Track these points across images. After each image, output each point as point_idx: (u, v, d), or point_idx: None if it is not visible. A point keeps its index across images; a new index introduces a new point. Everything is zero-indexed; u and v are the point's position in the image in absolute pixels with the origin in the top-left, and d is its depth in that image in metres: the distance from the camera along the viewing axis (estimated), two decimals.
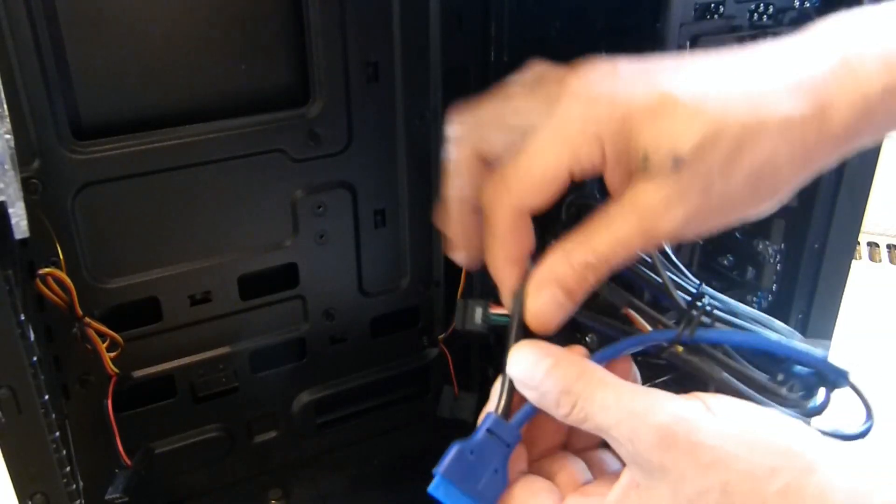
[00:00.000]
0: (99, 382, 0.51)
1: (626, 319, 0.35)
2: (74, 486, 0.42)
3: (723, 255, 0.50)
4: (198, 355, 0.56)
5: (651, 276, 0.35)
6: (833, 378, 0.35)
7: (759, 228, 0.48)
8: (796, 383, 0.34)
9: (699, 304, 0.35)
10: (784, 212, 0.46)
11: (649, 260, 0.35)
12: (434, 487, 0.34)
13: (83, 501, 0.44)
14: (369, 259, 0.59)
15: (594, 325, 0.36)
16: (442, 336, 0.64)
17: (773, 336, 0.35)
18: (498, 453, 0.34)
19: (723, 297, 0.36)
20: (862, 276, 1.33)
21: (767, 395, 0.34)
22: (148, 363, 0.54)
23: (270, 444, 0.62)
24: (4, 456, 0.38)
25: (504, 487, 0.34)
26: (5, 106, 0.34)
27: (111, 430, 0.51)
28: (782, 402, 0.34)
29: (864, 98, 0.30)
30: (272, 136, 0.51)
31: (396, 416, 0.68)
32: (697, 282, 0.36)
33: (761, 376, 0.34)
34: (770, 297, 0.49)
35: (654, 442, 0.29)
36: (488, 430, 0.34)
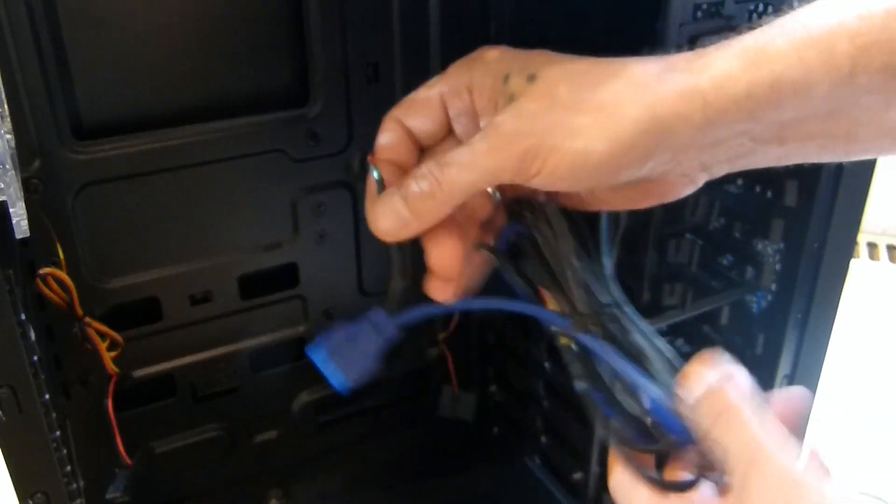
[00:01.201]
0: (99, 382, 0.52)
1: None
2: (75, 485, 0.42)
3: (722, 255, 0.50)
4: (198, 355, 0.56)
5: (566, 274, 0.36)
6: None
7: (759, 228, 0.48)
8: (661, 422, 0.34)
9: (602, 311, 0.35)
10: (783, 211, 0.46)
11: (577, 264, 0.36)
12: (310, 349, 0.38)
13: (83, 501, 0.44)
14: (369, 259, 0.59)
15: (510, 280, 0.37)
16: (442, 336, 0.64)
17: (642, 382, 0.33)
18: (373, 341, 0.38)
19: (639, 323, 0.35)
20: (861, 275, 1.33)
21: (633, 422, 0.33)
22: (148, 363, 0.54)
23: (270, 444, 0.62)
24: (5, 455, 0.38)
25: (369, 371, 0.38)
26: (6, 106, 0.34)
27: (111, 430, 0.51)
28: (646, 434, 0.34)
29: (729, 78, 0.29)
30: (272, 136, 0.51)
31: (396, 416, 0.68)
32: (616, 298, 0.36)
33: (631, 406, 0.34)
34: (769, 297, 0.49)
35: None
36: (369, 319, 0.38)
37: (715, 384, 0.31)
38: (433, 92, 0.36)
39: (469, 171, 0.32)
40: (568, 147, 0.30)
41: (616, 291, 0.36)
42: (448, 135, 0.37)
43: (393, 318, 0.38)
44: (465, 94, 0.35)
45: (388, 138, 0.37)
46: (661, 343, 0.35)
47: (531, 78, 0.32)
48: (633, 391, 0.33)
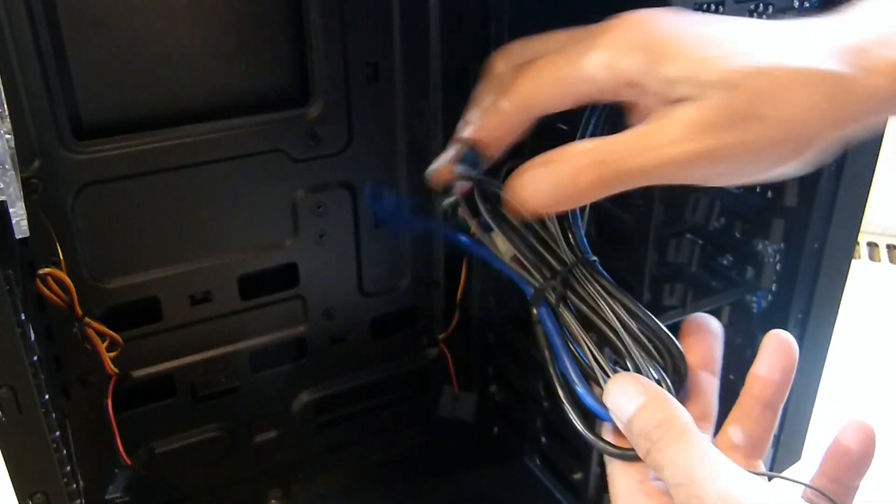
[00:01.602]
0: (99, 382, 0.52)
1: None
2: (75, 485, 0.42)
3: (722, 255, 0.50)
4: (198, 355, 0.56)
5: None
6: None
7: (759, 228, 0.48)
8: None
9: (564, 272, 0.34)
10: (783, 211, 0.46)
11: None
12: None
13: (83, 501, 0.44)
14: (369, 259, 0.59)
15: (491, 226, 0.36)
16: (442, 336, 0.64)
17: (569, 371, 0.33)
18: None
19: (597, 287, 0.34)
20: (862, 275, 1.33)
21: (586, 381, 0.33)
22: (148, 363, 0.54)
23: (270, 444, 0.62)
24: (4, 456, 0.38)
25: None
26: (5, 106, 0.34)
27: (111, 430, 0.51)
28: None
29: None
30: (272, 136, 0.51)
31: (396, 416, 0.68)
32: (585, 256, 0.35)
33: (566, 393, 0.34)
34: (769, 297, 0.49)
35: None
36: None
37: (651, 403, 0.31)
38: (590, 87, 0.33)
39: (637, 161, 0.30)
40: (752, 169, 0.30)
41: (586, 250, 0.36)
42: None
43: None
44: (628, 88, 0.32)
45: (505, 120, 0.35)
46: (630, 313, 0.34)
47: (700, 86, 0.29)
48: (564, 376, 0.33)
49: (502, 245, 0.36)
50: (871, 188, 0.47)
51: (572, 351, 0.33)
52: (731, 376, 0.54)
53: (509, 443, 0.66)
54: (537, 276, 0.35)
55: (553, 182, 0.31)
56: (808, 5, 0.43)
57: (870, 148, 0.46)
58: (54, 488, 0.40)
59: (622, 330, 0.33)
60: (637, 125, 0.31)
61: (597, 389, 0.33)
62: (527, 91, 0.34)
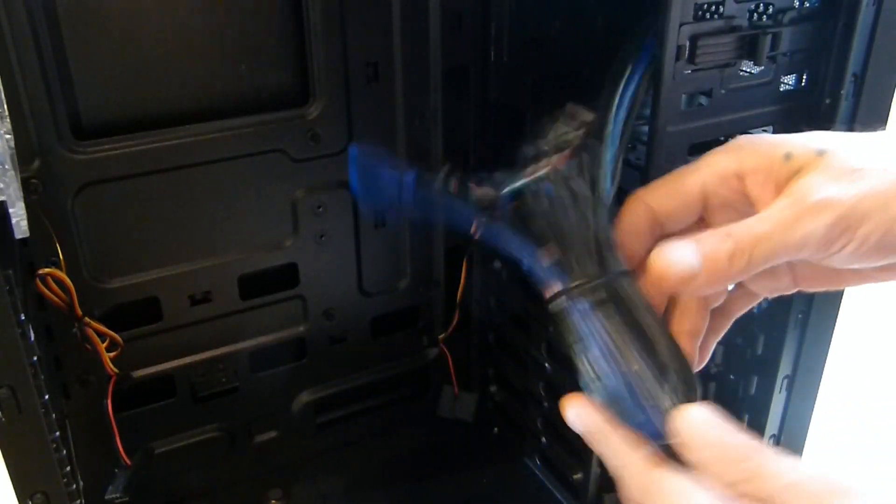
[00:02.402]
0: (99, 382, 0.51)
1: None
2: (74, 485, 0.42)
3: None
4: (198, 355, 0.56)
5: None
6: None
7: None
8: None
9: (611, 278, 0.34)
10: None
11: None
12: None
13: (83, 501, 0.44)
14: (369, 259, 0.59)
15: (511, 234, 0.36)
16: (442, 336, 0.64)
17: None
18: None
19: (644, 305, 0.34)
20: None
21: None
22: (148, 363, 0.54)
23: (270, 444, 0.62)
24: (4, 456, 0.38)
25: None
26: (5, 106, 0.34)
27: (111, 430, 0.51)
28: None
29: None
30: (272, 136, 0.51)
31: (396, 416, 0.68)
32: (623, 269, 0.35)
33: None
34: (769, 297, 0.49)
35: None
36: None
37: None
38: (694, 180, 0.35)
39: (770, 241, 0.31)
40: (881, 217, 0.29)
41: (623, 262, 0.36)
42: (695, 227, 0.36)
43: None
44: (734, 181, 0.34)
45: (632, 222, 0.36)
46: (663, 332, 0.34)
47: (820, 152, 0.31)
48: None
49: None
50: None
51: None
52: (732, 376, 0.54)
53: (509, 443, 0.66)
54: (578, 272, 0.35)
55: (683, 265, 0.32)
56: (808, 5, 0.43)
57: None
58: (54, 488, 0.40)
59: (660, 345, 0.33)
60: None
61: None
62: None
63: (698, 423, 0.30)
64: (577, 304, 0.34)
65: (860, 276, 0.34)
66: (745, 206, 0.34)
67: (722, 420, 0.30)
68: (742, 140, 0.35)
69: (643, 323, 0.33)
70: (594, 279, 0.34)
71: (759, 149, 0.33)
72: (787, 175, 0.32)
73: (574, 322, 0.34)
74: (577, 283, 0.34)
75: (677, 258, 0.32)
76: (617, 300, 0.34)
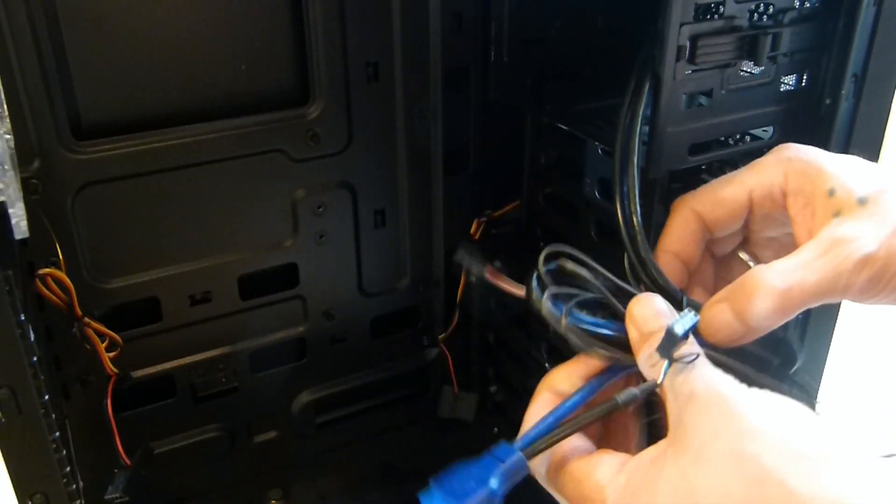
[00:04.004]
0: (99, 382, 0.51)
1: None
2: (74, 485, 0.42)
3: None
4: (198, 355, 0.56)
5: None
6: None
7: None
8: None
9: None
10: None
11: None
12: (424, 494, 0.35)
13: (83, 501, 0.44)
14: (369, 259, 0.59)
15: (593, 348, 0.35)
16: (442, 336, 0.64)
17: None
18: (491, 468, 0.34)
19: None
20: None
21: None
22: (148, 363, 0.54)
23: (270, 444, 0.62)
24: (4, 456, 0.38)
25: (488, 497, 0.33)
26: (5, 106, 0.33)
27: (111, 430, 0.51)
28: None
29: None
30: (272, 136, 0.51)
31: (396, 416, 0.68)
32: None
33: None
34: None
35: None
36: (491, 453, 0.34)
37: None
38: (741, 191, 0.36)
39: (813, 294, 0.32)
40: None
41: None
42: (740, 238, 0.37)
43: (515, 445, 0.34)
44: (778, 196, 0.35)
45: (683, 228, 0.37)
46: None
47: (862, 201, 0.32)
48: None
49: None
50: None
51: None
52: None
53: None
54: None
55: (726, 328, 0.33)
56: (808, 5, 0.43)
57: (870, 148, 0.46)
58: (54, 489, 0.40)
59: None
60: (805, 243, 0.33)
61: None
62: None
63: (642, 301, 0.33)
64: None
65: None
66: (784, 220, 0.35)
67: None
68: (791, 153, 0.35)
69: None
70: None
71: (806, 171, 0.34)
72: (826, 211, 0.33)
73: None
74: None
75: (715, 326, 0.33)
76: None
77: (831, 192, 0.33)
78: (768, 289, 0.32)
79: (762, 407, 0.29)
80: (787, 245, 0.36)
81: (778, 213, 0.36)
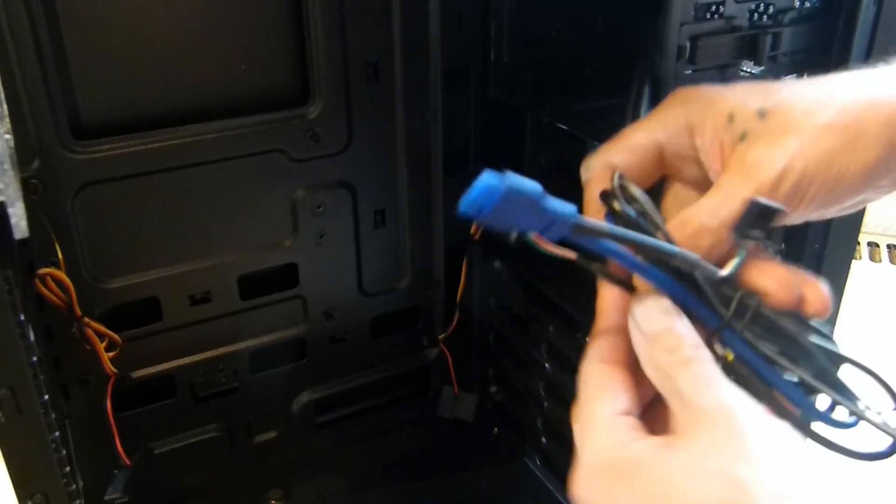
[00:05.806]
0: (99, 382, 0.51)
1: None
2: (74, 486, 0.42)
3: None
4: (198, 355, 0.56)
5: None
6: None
7: None
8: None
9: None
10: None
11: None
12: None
13: (83, 501, 0.44)
14: (369, 259, 0.59)
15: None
16: (442, 336, 0.64)
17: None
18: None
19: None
20: (862, 276, 1.33)
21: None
22: (148, 363, 0.54)
23: (270, 444, 0.62)
24: (4, 456, 0.38)
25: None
26: (5, 106, 0.34)
27: (111, 430, 0.51)
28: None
29: None
30: (272, 136, 0.51)
31: (396, 416, 0.68)
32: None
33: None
34: None
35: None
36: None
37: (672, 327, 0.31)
38: (646, 136, 0.36)
39: (726, 225, 0.32)
40: (825, 176, 0.31)
41: None
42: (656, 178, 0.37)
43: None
44: (685, 135, 0.35)
45: (603, 183, 0.36)
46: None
47: (761, 113, 0.32)
48: None
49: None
50: None
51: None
52: None
53: (509, 443, 0.66)
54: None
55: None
56: (808, 5, 0.43)
57: None
58: (54, 488, 0.40)
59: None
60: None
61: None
62: None
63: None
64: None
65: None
66: (698, 157, 0.35)
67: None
68: (686, 92, 0.36)
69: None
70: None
71: (702, 104, 0.34)
72: (731, 139, 0.33)
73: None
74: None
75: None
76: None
77: (731, 118, 0.33)
78: (702, 228, 0.32)
79: (769, 439, 0.29)
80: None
81: (690, 152, 0.35)
